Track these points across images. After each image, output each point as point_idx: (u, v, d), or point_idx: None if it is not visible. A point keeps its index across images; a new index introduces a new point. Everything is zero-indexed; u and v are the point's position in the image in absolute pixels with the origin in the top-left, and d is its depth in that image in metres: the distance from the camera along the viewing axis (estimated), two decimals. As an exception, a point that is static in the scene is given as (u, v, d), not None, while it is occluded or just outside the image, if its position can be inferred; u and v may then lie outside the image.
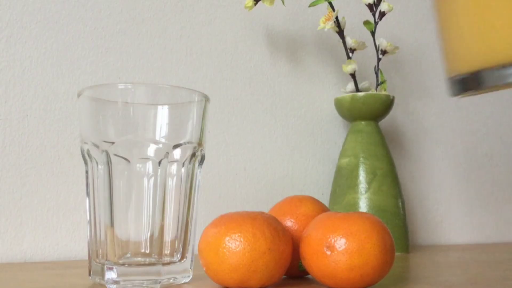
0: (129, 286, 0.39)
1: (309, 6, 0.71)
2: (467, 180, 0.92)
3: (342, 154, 0.72)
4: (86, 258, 0.43)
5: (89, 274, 0.42)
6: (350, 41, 0.72)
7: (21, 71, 0.60)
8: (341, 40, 0.72)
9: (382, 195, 0.67)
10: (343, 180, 0.69)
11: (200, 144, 0.43)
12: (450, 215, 0.89)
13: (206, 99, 0.44)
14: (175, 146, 0.41)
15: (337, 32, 0.72)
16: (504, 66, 0.23)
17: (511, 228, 0.94)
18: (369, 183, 0.68)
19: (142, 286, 0.39)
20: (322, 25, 0.69)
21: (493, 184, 0.94)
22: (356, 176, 0.68)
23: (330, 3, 0.70)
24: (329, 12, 0.70)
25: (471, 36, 0.25)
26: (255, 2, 0.67)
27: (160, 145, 0.41)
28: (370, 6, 0.73)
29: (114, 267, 0.39)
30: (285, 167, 0.75)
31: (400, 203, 0.69)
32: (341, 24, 0.71)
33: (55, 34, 0.62)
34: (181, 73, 0.69)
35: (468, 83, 0.25)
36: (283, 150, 0.76)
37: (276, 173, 0.75)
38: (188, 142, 0.42)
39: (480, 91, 0.25)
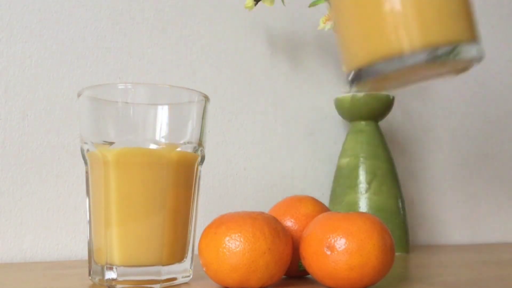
0: (129, 286, 0.39)
1: (309, 6, 0.71)
2: (467, 180, 0.92)
3: (342, 154, 0.72)
4: (86, 258, 0.43)
5: (89, 274, 0.42)
6: None
7: (21, 71, 0.60)
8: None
9: (382, 195, 0.67)
10: (343, 180, 0.69)
11: (200, 144, 0.44)
12: (450, 215, 0.89)
13: (206, 99, 0.44)
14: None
15: None
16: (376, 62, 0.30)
17: (511, 228, 0.94)
18: (369, 183, 0.68)
19: (142, 286, 0.39)
20: (322, 25, 0.69)
21: (493, 184, 0.94)
22: (356, 176, 0.68)
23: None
24: (329, 12, 0.69)
25: (355, 41, 0.31)
26: (255, 2, 0.67)
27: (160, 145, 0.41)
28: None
29: (114, 267, 0.39)
30: (285, 167, 0.75)
31: (400, 203, 0.69)
32: None
33: (55, 34, 0.62)
34: (181, 73, 0.69)
35: (357, 77, 0.31)
36: (283, 150, 0.76)
37: (276, 173, 0.75)
38: (188, 142, 0.42)
39: (367, 84, 0.31)
